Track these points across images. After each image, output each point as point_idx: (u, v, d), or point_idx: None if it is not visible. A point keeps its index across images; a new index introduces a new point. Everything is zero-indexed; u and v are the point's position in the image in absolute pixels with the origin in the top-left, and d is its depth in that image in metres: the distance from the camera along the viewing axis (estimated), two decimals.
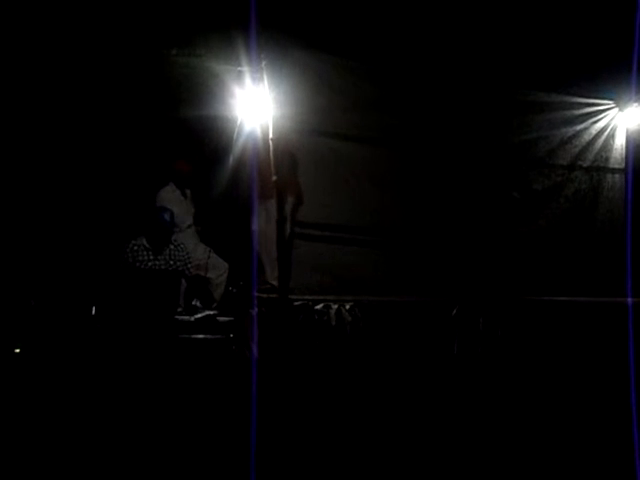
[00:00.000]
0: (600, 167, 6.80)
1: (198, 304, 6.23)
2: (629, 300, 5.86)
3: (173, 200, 6.10)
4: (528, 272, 6.22)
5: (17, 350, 5.29)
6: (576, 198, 6.71)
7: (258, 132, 5.47)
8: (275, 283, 5.54)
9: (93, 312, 5.69)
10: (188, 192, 6.36)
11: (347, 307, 5.39)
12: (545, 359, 5.51)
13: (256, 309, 5.15)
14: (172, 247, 5.62)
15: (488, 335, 5.63)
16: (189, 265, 5.73)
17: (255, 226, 5.73)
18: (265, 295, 5.39)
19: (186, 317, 5.65)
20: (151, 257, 5.47)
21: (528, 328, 5.68)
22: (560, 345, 5.61)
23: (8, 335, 5.38)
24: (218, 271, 6.20)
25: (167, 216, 5.57)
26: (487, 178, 6.38)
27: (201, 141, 6.24)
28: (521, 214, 6.50)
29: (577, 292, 6.04)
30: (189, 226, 6.30)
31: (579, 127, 6.68)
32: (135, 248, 5.45)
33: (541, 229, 6.53)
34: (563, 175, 6.70)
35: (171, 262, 5.52)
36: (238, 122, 5.68)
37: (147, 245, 5.48)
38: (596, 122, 6.73)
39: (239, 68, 5.33)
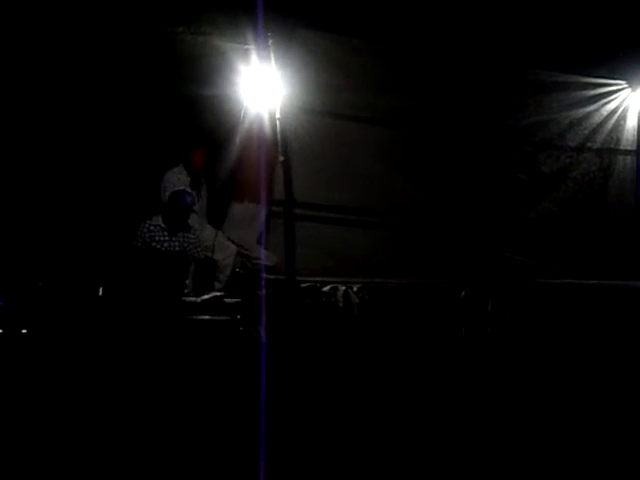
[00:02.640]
0: (611, 149, 6.71)
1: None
2: None
3: (179, 182, 6.06)
4: (536, 254, 6.17)
5: (24, 331, 5.31)
6: (586, 180, 6.63)
7: (265, 111, 5.41)
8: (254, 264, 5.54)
9: (100, 293, 5.69)
10: (202, 179, 6.32)
11: (354, 289, 5.35)
12: (554, 342, 5.47)
13: (263, 291, 5.13)
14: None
15: (496, 318, 5.59)
16: (198, 249, 5.73)
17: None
18: (272, 277, 5.37)
19: (193, 298, 5.63)
20: (167, 237, 5.47)
21: (537, 311, 5.63)
22: (569, 328, 5.57)
23: (15, 316, 5.39)
24: (225, 253, 6.16)
25: (189, 199, 5.57)
26: (495, 160, 6.32)
27: (207, 120, 6.17)
28: (529, 196, 6.43)
29: (587, 275, 5.98)
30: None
31: (590, 108, 6.58)
32: (152, 228, 5.44)
33: (550, 211, 6.47)
34: (572, 157, 6.62)
35: (185, 244, 5.53)
36: (244, 101, 5.62)
37: (163, 225, 5.48)
38: (607, 103, 6.61)
39: (246, 46, 5.27)
